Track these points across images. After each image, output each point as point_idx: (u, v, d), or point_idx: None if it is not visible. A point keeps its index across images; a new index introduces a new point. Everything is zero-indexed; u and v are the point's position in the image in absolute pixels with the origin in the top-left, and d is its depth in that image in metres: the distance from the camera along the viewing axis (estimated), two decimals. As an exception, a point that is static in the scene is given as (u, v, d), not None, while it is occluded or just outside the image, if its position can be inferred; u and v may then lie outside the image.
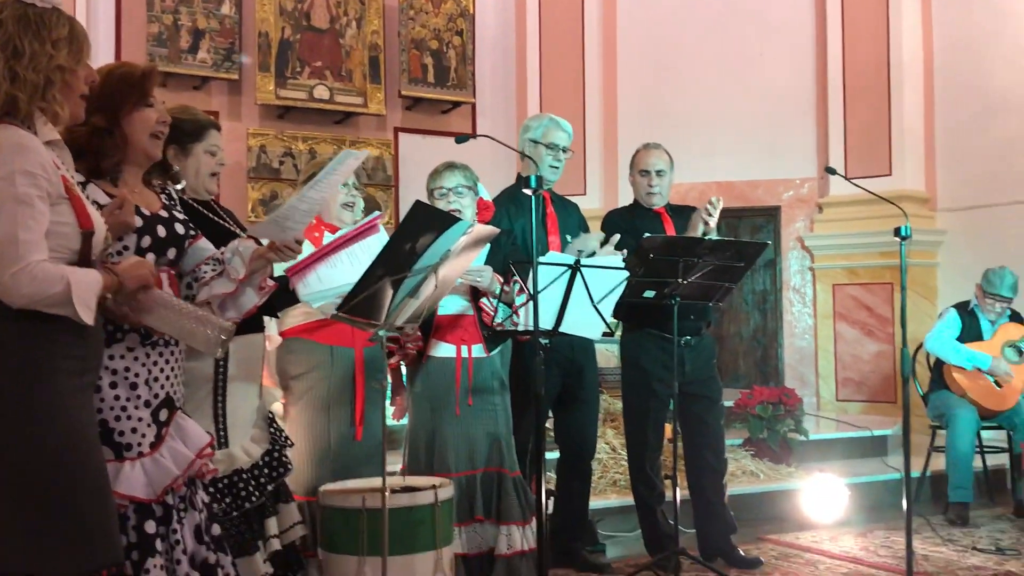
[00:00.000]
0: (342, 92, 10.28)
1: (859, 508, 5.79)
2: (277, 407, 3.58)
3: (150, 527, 2.51)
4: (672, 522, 4.65)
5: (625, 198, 10.80)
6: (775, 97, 10.27)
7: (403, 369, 4.01)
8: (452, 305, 3.79)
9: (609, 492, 5.50)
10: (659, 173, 4.63)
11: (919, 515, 5.60)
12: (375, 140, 10.41)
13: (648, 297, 4.03)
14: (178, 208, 2.93)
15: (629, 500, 4.85)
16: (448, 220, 2.79)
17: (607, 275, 3.29)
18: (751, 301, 10.35)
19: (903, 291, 3.90)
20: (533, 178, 2.97)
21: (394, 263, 2.70)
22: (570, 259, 3.23)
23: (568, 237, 4.35)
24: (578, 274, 3.19)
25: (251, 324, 3.19)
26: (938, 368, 5.93)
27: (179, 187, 3.20)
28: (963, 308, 5.98)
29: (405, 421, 3.99)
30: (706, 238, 4.01)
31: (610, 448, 5.77)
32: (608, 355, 7.12)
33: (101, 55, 9.23)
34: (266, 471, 3.26)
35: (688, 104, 10.39)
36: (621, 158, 10.69)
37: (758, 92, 10.27)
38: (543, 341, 3.34)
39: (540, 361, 3.10)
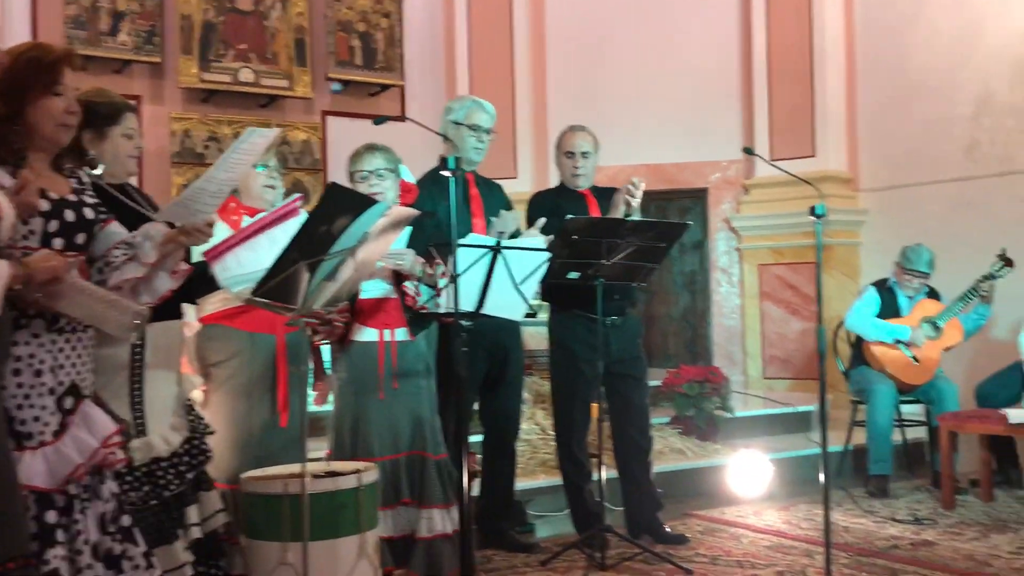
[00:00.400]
0: (268, 75, 10.13)
1: (783, 483, 5.89)
2: (197, 394, 3.54)
3: (51, 517, 2.47)
4: (599, 500, 4.71)
5: (556, 180, 10.85)
6: (701, 80, 10.37)
7: (325, 354, 3.97)
8: (374, 289, 3.77)
9: (539, 472, 5.53)
10: (584, 155, 4.65)
11: (841, 488, 5.75)
12: (302, 124, 10.30)
13: (573, 278, 4.05)
14: (89, 192, 2.87)
15: (559, 480, 4.89)
16: (365, 202, 2.76)
17: (528, 256, 3.29)
18: (680, 282, 10.47)
19: (819, 269, 3.96)
20: (452, 159, 2.97)
21: (310, 246, 2.68)
22: (491, 241, 3.23)
23: (493, 220, 4.34)
24: (499, 256, 3.19)
25: (168, 311, 3.14)
26: (858, 345, 6.06)
27: (96, 172, 3.14)
28: (881, 285, 6.11)
29: (329, 407, 3.96)
30: (628, 219, 4.03)
31: (540, 429, 5.80)
32: (539, 337, 7.14)
33: (17, 38, 8.98)
34: (186, 459, 3.21)
35: (617, 86, 10.45)
36: (551, 140, 10.59)
37: (685, 75, 10.35)
38: (466, 323, 3.34)
39: (462, 343, 3.09)
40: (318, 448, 3.99)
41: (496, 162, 10.74)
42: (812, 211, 3.88)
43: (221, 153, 9.70)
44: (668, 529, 4.70)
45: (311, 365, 3.96)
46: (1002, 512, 5.17)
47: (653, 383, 6.54)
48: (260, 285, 2.72)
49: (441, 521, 3.78)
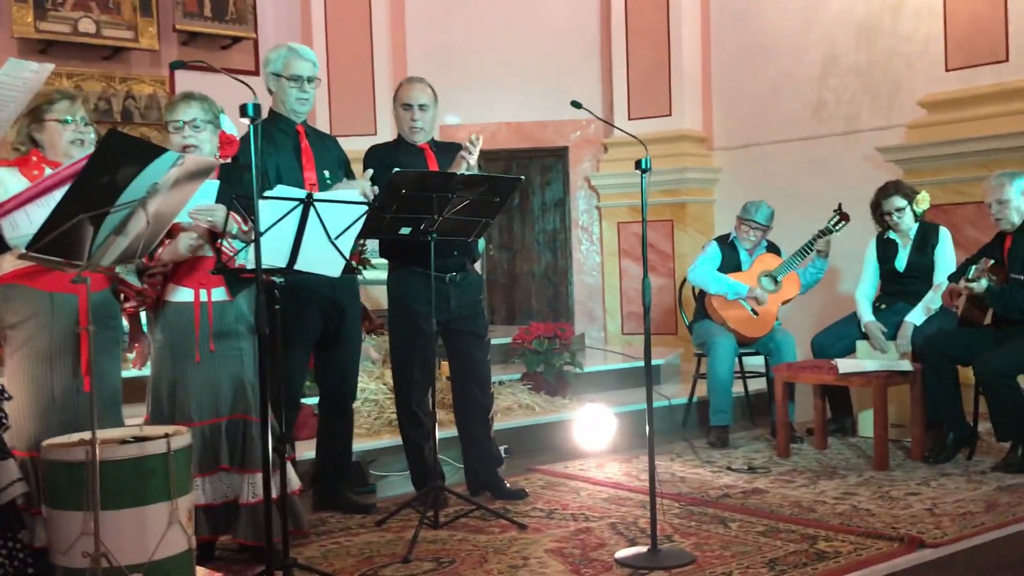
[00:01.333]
0: (110, 25, 9.71)
1: (631, 435, 5.97)
2: (-12, 357, 3.34)
3: None
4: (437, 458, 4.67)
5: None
6: (561, 37, 10.38)
7: (143, 316, 3.80)
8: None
9: (384, 433, 5.46)
10: (422, 107, 4.54)
11: (684, 440, 5.84)
12: (148, 77, 9.93)
13: (405, 234, 3.96)
14: None
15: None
16: (151, 151, 2.61)
17: (343, 210, 3.18)
18: (542, 240, 10.51)
19: (643, 224, 3.99)
20: (250, 106, 2.82)
21: (90, 198, 2.51)
22: (301, 194, 3.10)
23: (327, 173, 4.22)
24: (312, 209, 3.07)
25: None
26: (701, 299, 6.15)
27: None
28: (723, 240, 6.20)
29: (148, 370, 3.79)
30: (459, 173, 3.95)
31: (388, 388, 5.71)
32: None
33: None
34: (-23, 425, 3.03)
35: (478, 43, 10.37)
36: (410, 98, 10.55)
37: (545, 32, 10.34)
38: (277, 280, 3.22)
39: (263, 301, 2.96)
40: (137, 414, 3.83)
41: (355, 118, 10.61)
42: (637, 165, 3.86)
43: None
44: (508, 485, 4.69)
45: (126, 326, 3.78)
46: (833, 459, 5.33)
47: (504, 340, 6.55)
48: (35, 240, 2.55)
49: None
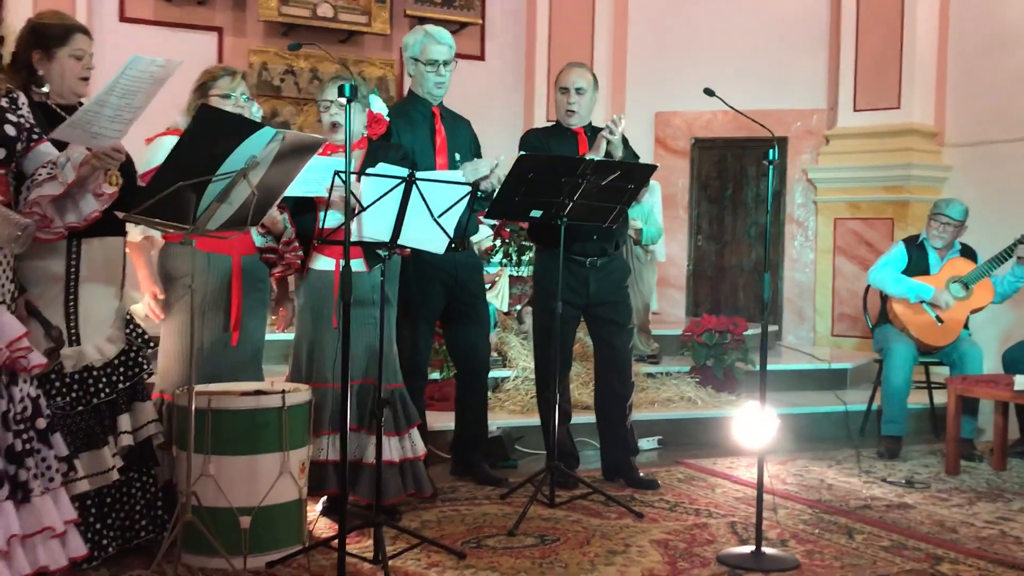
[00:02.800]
0: (346, 10, 10.27)
1: (797, 438, 5.80)
2: (138, 308, 3.69)
3: None
4: (571, 441, 4.75)
5: (633, 125, 10.74)
6: (786, 26, 10.08)
7: (291, 281, 4.08)
8: (332, 219, 3.84)
9: (534, 411, 5.55)
10: (579, 91, 4.59)
11: (852, 447, 5.61)
12: (378, 60, 10.43)
13: (535, 216, 4.04)
14: (17, 111, 3.02)
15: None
16: (247, 125, 2.82)
17: (446, 190, 3.30)
18: (754, 233, 10.27)
19: (767, 217, 3.86)
20: (347, 86, 2.97)
21: (189, 167, 2.75)
22: (403, 172, 3.24)
23: (457, 156, 4.36)
24: (414, 188, 3.21)
25: (109, 227, 3.28)
26: (884, 302, 5.86)
27: (43, 90, 3.29)
28: (912, 242, 5.87)
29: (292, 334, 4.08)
30: (589, 158, 3.98)
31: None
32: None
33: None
34: (120, 370, 3.38)
35: (699, 30, 10.25)
36: (630, 85, 10.59)
37: (769, 20, 10.08)
38: (382, 253, 3.38)
39: (346, 273, 3.07)
40: (282, 373, 4.12)
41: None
42: (765, 156, 3.75)
43: (297, 87, 9.97)
44: (641, 474, 4.69)
45: (274, 289, 4.08)
46: (1007, 482, 4.96)
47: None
48: (136, 204, 2.82)
49: (388, 448, 3.87)
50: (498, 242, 6.57)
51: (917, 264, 5.74)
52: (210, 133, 2.76)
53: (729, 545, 3.76)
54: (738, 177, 10.33)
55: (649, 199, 7.63)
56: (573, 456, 4.73)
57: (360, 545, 3.59)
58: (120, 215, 3.01)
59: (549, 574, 3.38)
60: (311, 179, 3.31)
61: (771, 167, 3.75)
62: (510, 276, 6.23)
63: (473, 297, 4.48)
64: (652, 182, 8.13)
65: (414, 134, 4.33)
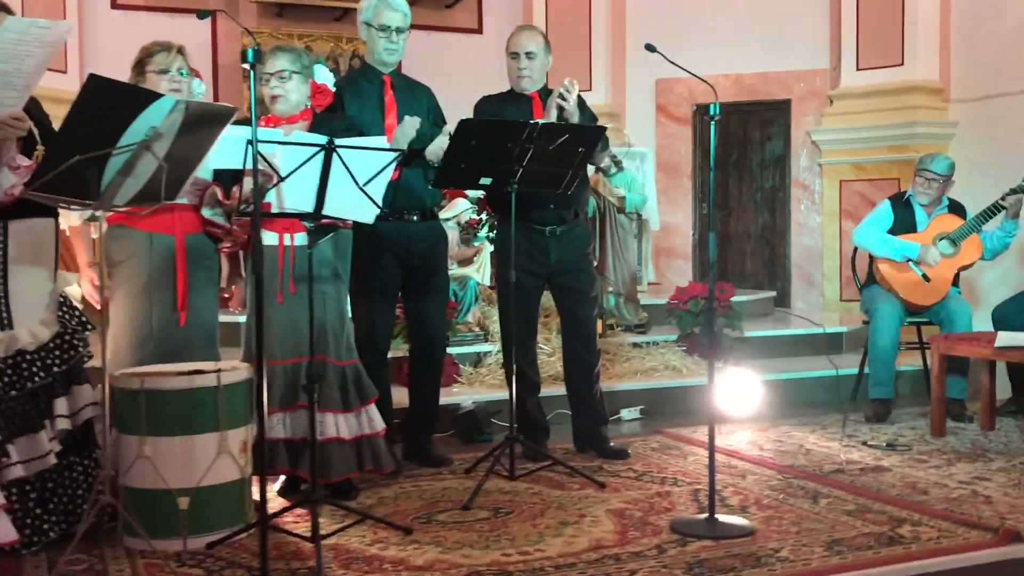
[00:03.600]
0: (339, -13, 10.18)
1: (783, 404, 5.71)
2: (73, 291, 3.66)
3: None
4: (540, 412, 4.68)
5: (634, 93, 10.57)
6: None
7: (244, 258, 4.03)
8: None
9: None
10: (529, 55, 4.49)
11: (842, 412, 5.49)
12: (373, 37, 10.29)
13: (485, 184, 3.96)
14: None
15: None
16: (143, 96, 2.76)
17: (372, 156, 3.22)
18: (760, 199, 10.12)
19: (711, 172, 3.73)
20: (250, 51, 2.88)
21: (83, 140, 2.69)
22: (321, 139, 3.16)
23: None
24: (336, 156, 3.13)
25: (38, 208, 3.24)
26: (871, 262, 5.71)
27: None
28: (898, 200, 5.72)
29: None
30: (535, 122, 3.88)
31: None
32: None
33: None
34: (56, 353, 3.34)
35: None
36: (630, 52, 10.44)
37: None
38: (308, 224, 3.31)
39: (257, 248, 3.00)
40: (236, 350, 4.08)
41: (569, 73, 10.57)
42: (705, 111, 3.62)
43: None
44: (613, 444, 4.61)
45: (226, 267, 4.02)
46: (992, 442, 4.83)
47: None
48: (32, 180, 2.77)
49: (334, 425, 3.82)
50: (484, 215, 6.49)
51: (903, 222, 5.59)
52: (101, 104, 2.69)
53: (688, 513, 3.68)
54: (742, 143, 10.17)
55: (635, 166, 7.52)
56: (543, 428, 4.66)
57: (308, 525, 3.54)
58: (17, 192, 2.97)
59: (494, 547, 3.31)
60: (233, 151, 3.23)
61: (712, 123, 3.61)
62: (496, 249, 6.15)
63: (429, 270, 4.38)
64: (644, 150, 8.04)
65: (361, 104, 4.24)
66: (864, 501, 3.81)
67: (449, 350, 5.44)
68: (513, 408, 4.16)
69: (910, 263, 5.46)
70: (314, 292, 3.81)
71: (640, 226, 7.73)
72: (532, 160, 3.90)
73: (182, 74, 3.80)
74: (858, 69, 9.57)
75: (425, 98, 4.44)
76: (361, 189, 3.16)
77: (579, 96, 4.58)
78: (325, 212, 3.21)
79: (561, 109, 4.24)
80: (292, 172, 3.07)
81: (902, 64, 9.32)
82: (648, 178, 7.69)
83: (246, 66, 2.85)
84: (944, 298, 5.46)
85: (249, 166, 2.91)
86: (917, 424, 5.26)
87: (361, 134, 4.12)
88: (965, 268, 5.54)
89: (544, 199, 4.32)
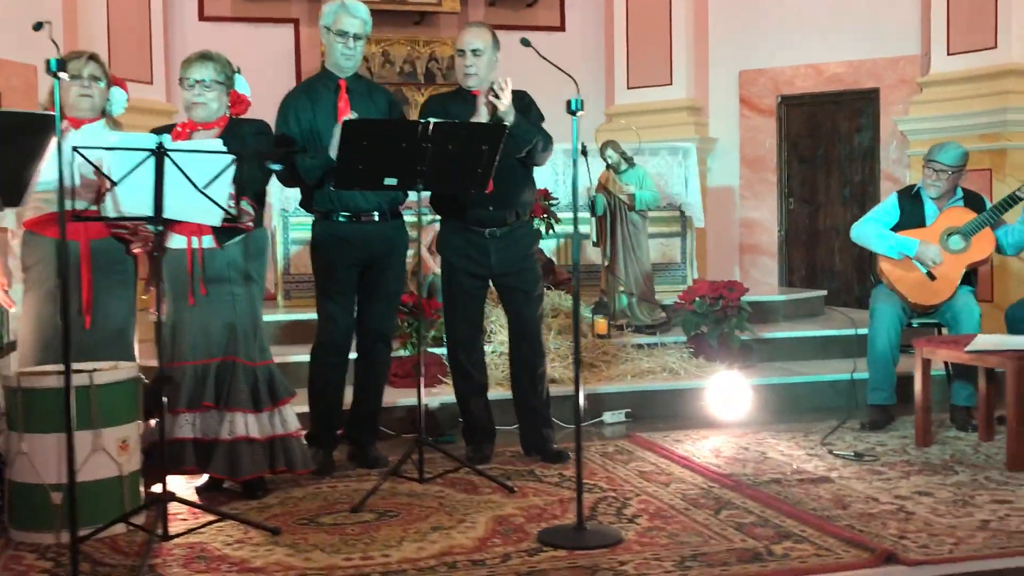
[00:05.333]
0: (417, -9, 10.33)
1: (792, 409, 5.53)
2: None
3: None
4: (487, 414, 4.61)
5: (716, 86, 10.29)
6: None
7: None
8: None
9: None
10: (475, 52, 4.42)
11: (843, 418, 5.18)
12: (450, 39, 10.42)
13: (391, 184, 3.93)
14: None
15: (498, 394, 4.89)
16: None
17: (206, 160, 3.25)
18: (848, 194, 9.67)
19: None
20: (53, 61, 2.90)
21: None
22: (150, 143, 3.20)
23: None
24: (167, 159, 3.16)
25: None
26: (873, 258, 5.36)
27: None
28: (906, 193, 5.33)
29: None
30: (425, 121, 3.81)
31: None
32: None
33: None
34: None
35: None
36: (713, 47, 10.17)
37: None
38: (152, 228, 3.36)
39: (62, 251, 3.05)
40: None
41: (650, 69, 10.46)
42: (568, 106, 3.48)
43: (370, 71, 10.09)
44: (555, 447, 4.50)
45: (145, 270, 4.14)
46: (977, 456, 4.44)
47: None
48: None
49: (244, 425, 3.87)
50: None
51: (912, 216, 5.21)
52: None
53: (573, 521, 3.55)
54: (830, 135, 9.74)
55: (676, 162, 7.33)
56: (487, 430, 4.58)
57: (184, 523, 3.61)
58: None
59: (345, 550, 3.29)
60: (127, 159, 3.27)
61: (574, 119, 3.47)
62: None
63: (381, 271, 4.39)
64: (687, 144, 7.80)
65: (315, 109, 4.28)
66: (769, 514, 3.58)
67: (435, 351, 5.44)
68: (422, 410, 4.11)
69: (913, 260, 5.08)
70: (224, 294, 3.91)
71: (684, 223, 7.52)
72: (435, 160, 3.85)
73: (100, 84, 3.94)
74: (949, 54, 9.02)
75: (383, 101, 4.44)
76: (201, 192, 3.20)
77: (525, 94, 4.50)
78: (167, 216, 3.26)
79: (495, 108, 4.17)
80: (125, 176, 3.14)
81: (995, 47, 8.72)
82: (693, 174, 7.45)
83: (63, 75, 2.94)
84: (951, 297, 5.05)
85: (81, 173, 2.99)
86: (911, 433, 4.88)
87: (284, 139, 4.18)
88: (977, 265, 5.11)
89: (481, 200, 4.26)
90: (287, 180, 4.35)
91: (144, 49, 9.27)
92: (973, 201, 5.21)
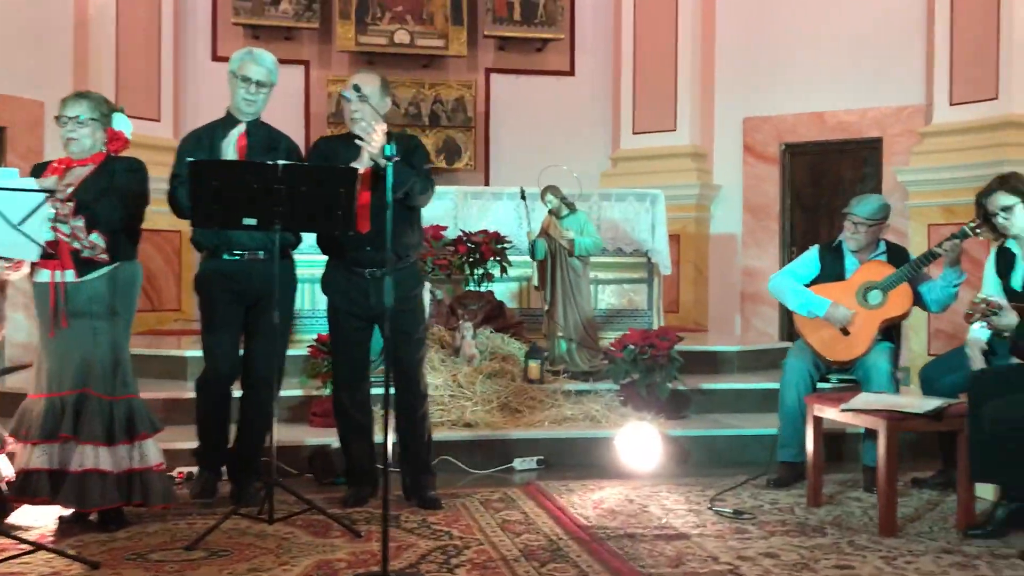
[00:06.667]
0: (423, 35, 10.49)
1: (715, 461, 5.42)
2: None
3: None
4: (368, 458, 4.59)
5: (721, 132, 10.24)
6: (879, 20, 9.31)
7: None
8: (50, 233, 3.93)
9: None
10: (360, 98, 4.45)
11: (748, 473, 5.04)
12: (456, 81, 10.53)
13: (249, 224, 3.97)
14: None
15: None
16: None
17: (21, 197, 3.33)
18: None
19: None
20: None
21: None
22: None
23: None
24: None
25: None
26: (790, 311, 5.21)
27: None
28: (827, 246, 5.18)
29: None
30: (274, 163, 3.85)
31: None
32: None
33: (193, 17, 10.10)
34: None
35: (787, 34, 9.74)
36: (719, 92, 10.12)
37: (860, 16, 9.36)
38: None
39: None
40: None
41: (655, 115, 10.45)
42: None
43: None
44: (432, 494, 4.46)
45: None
46: (862, 518, 4.26)
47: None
48: None
49: (94, 457, 3.92)
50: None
51: (831, 269, 5.06)
52: None
53: (398, 568, 3.51)
54: (833, 183, 9.58)
55: (644, 208, 7.28)
56: (368, 473, 4.55)
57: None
58: None
59: (150, 588, 3.31)
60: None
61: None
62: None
63: (264, 310, 4.41)
64: (655, 191, 7.73)
65: (212, 149, 4.37)
66: (595, 569, 3.50)
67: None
68: (274, 450, 4.10)
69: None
70: (85, 327, 3.98)
71: (651, 270, 7.43)
72: (291, 200, 3.88)
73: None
74: (951, 104, 8.86)
75: (283, 147, 4.51)
76: (16, 228, 3.28)
77: (413, 138, 4.54)
78: (-13, 250, 3.35)
79: (371, 151, 4.19)
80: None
81: (996, 98, 8.54)
82: (659, 220, 7.38)
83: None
84: (865, 353, 4.89)
85: None
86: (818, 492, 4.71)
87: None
88: (893, 320, 4.94)
89: (361, 241, 4.28)
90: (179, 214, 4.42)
91: (153, 87, 9.56)
92: (897, 255, 5.06)
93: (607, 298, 7.41)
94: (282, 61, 10.35)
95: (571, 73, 10.94)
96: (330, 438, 4.99)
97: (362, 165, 4.22)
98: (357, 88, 4.32)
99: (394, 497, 4.49)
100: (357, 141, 4.23)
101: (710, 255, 10.18)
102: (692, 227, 9.95)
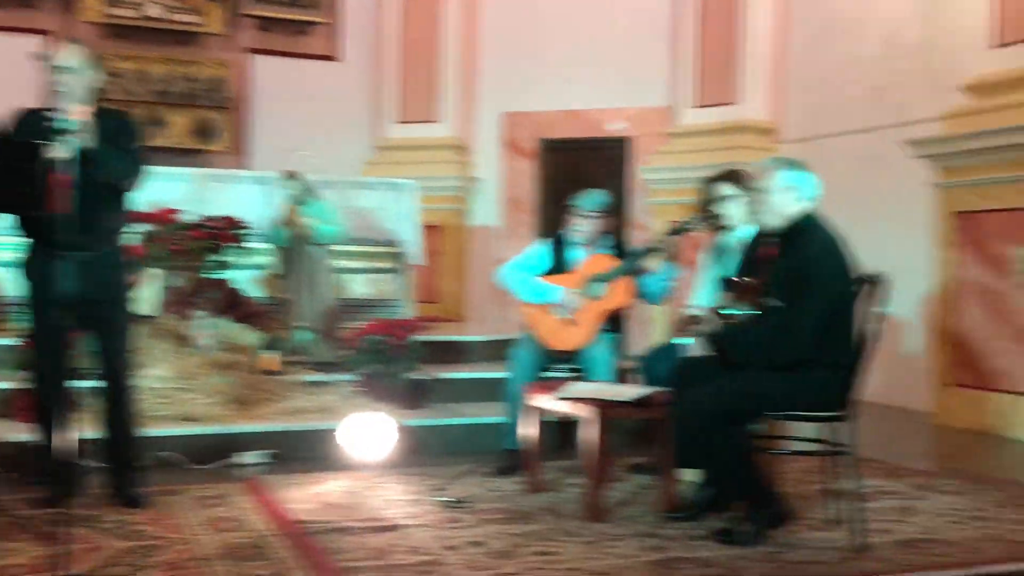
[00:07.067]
0: (178, 10, 10.03)
1: (454, 450, 5.42)
2: None
3: None
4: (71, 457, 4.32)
5: (479, 127, 10.34)
6: (631, 20, 9.63)
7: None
8: None
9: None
10: (67, 70, 4.19)
11: (483, 462, 5.09)
12: (211, 60, 10.14)
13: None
14: None
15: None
16: None
17: None
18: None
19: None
20: None
21: None
22: None
23: None
24: None
25: None
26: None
27: None
28: (556, 239, 5.32)
29: None
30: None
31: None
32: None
33: None
34: None
35: (548, 32, 9.90)
36: (482, 84, 10.20)
37: (613, 16, 9.66)
38: None
39: None
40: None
41: (419, 106, 10.41)
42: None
43: (125, 90, 9.55)
44: (137, 491, 4.25)
45: None
46: (572, 504, 4.37)
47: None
48: None
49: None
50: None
51: (558, 262, 5.20)
52: None
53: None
54: (585, 180, 9.82)
55: (393, 197, 7.25)
56: (69, 472, 4.27)
57: None
58: None
59: None
60: None
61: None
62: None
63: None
64: (406, 181, 7.73)
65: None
66: (292, 564, 3.43)
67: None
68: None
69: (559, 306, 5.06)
70: None
71: (401, 260, 7.41)
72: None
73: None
74: (697, 106, 9.31)
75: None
76: None
77: (123, 115, 4.31)
78: None
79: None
80: None
81: (735, 103, 9.05)
82: (412, 211, 7.37)
83: None
84: (589, 343, 5.02)
85: None
86: (546, 478, 4.77)
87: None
88: (613, 311, 5.10)
89: (62, 223, 3.99)
90: None
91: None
92: (624, 249, 5.23)
93: (358, 287, 7.34)
94: (17, 29, 9.73)
95: (337, 59, 10.74)
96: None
97: (59, 142, 3.95)
98: (46, 57, 4.09)
99: (97, 497, 4.29)
100: (49, 114, 3.97)
101: (470, 246, 10.28)
102: (453, 219, 10.02)
